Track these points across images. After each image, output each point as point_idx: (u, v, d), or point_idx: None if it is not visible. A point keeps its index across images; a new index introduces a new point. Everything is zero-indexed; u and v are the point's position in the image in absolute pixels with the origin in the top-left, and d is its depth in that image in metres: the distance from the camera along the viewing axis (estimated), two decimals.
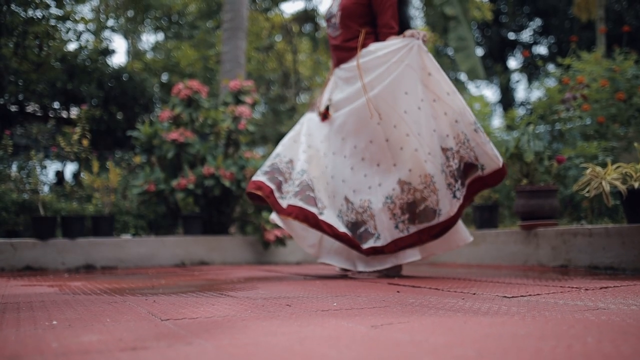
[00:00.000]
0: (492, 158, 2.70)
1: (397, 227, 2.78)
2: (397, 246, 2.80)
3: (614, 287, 2.09)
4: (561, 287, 2.14)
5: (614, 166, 2.81)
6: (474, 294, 2.00)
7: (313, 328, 1.30)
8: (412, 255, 2.83)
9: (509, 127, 5.66)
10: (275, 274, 3.46)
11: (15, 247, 4.08)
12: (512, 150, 3.47)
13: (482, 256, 3.76)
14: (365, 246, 2.82)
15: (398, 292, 2.13)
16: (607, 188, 2.72)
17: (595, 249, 2.98)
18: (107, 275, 3.53)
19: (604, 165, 3.44)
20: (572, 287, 2.09)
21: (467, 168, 2.75)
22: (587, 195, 2.82)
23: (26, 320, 1.49)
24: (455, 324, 1.31)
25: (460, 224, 2.89)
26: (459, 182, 2.72)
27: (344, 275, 3.09)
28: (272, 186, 2.98)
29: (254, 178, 3.07)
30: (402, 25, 3.02)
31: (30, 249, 4.14)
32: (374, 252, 2.83)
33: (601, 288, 2.05)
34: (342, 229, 2.85)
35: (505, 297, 1.88)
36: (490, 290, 2.09)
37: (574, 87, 4.07)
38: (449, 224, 2.74)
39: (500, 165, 2.71)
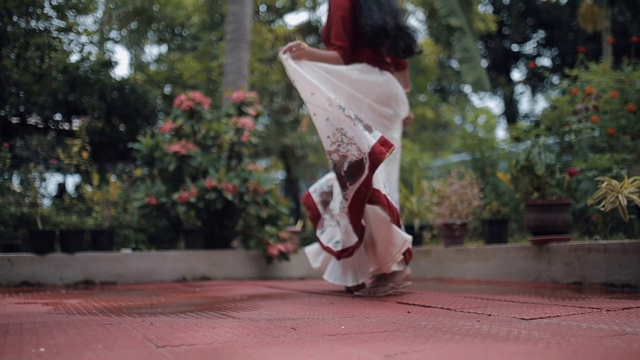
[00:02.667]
0: (367, 142, 2.43)
1: (355, 230, 2.65)
2: (351, 252, 2.70)
3: (636, 307, 1.98)
4: (580, 307, 2.03)
5: (631, 179, 2.71)
6: (489, 315, 1.90)
7: (321, 357, 1.20)
8: (370, 267, 2.77)
9: (516, 139, 5.57)
10: (278, 290, 3.35)
11: (12, 262, 3.99)
12: (523, 162, 3.37)
13: (492, 272, 3.65)
14: (336, 250, 2.78)
15: (408, 312, 2.03)
16: (624, 202, 2.61)
17: (611, 265, 2.87)
18: (105, 292, 3.43)
19: (616, 178, 3.34)
20: (592, 308, 1.98)
21: (355, 168, 2.48)
22: (602, 209, 2.71)
23: (12, 347, 1.39)
24: (476, 353, 1.21)
25: (388, 229, 2.60)
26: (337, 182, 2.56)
27: (349, 292, 2.98)
28: (321, 210, 3.01)
29: (312, 192, 3.09)
30: (379, 34, 2.88)
31: (27, 264, 4.04)
32: (340, 256, 2.76)
33: (623, 309, 1.94)
34: (325, 243, 2.87)
35: (523, 319, 1.77)
36: (506, 311, 1.98)
37: (585, 98, 3.98)
38: (352, 226, 2.59)
39: (372, 145, 2.41)
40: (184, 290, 3.44)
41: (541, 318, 1.78)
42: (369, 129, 2.48)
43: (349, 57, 2.87)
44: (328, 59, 2.79)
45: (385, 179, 2.81)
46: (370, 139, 2.43)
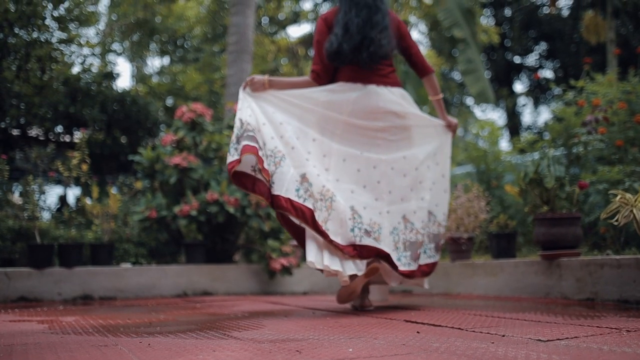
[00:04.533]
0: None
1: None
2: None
3: None
4: (598, 327, 1.94)
5: None
6: (503, 335, 1.81)
7: None
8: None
9: (521, 151, 5.49)
10: (281, 306, 3.26)
11: (9, 277, 3.90)
12: (532, 175, 3.28)
13: (501, 287, 3.56)
14: None
15: (418, 332, 1.94)
16: (639, 216, 2.53)
17: (625, 281, 2.78)
18: (104, 308, 3.35)
19: (627, 190, 3.25)
20: (611, 328, 1.89)
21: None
22: (616, 223, 2.62)
23: None
24: None
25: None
26: None
27: (354, 309, 2.89)
28: None
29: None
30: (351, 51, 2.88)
31: (25, 279, 3.95)
32: None
33: None
34: None
35: (539, 340, 1.68)
36: (520, 331, 1.90)
37: (594, 109, 3.91)
38: None
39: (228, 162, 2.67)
40: (184, 307, 3.36)
41: (559, 339, 1.69)
42: (238, 141, 2.67)
43: (326, 78, 2.97)
44: (298, 84, 2.97)
45: (315, 182, 2.71)
46: (229, 158, 2.67)
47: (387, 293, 3.29)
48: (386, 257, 2.74)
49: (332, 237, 2.63)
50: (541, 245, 3.24)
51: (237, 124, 2.75)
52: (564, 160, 4.23)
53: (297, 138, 2.79)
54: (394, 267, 2.77)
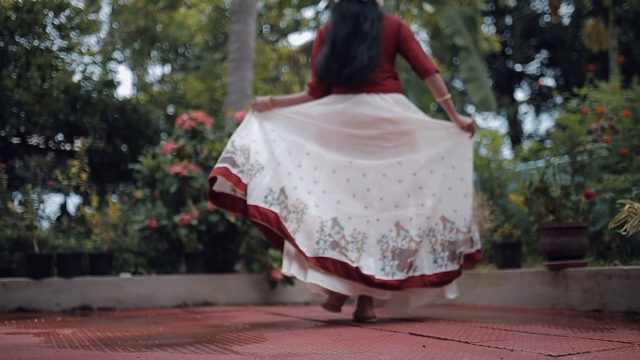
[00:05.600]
0: None
1: None
2: None
3: None
4: (609, 340, 1.88)
5: None
6: (512, 350, 1.75)
7: None
8: None
9: (524, 159, 5.45)
10: (283, 318, 3.21)
11: (7, 287, 3.85)
12: (537, 184, 3.24)
13: (506, 298, 3.50)
14: None
15: (424, 346, 1.89)
16: None
17: (634, 292, 2.72)
18: (102, 319, 3.30)
19: (635, 199, 3.20)
20: (622, 342, 1.84)
21: None
22: (624, 233, 2.58)
23: None
24: None
25: None
26: None
27: (357, 320, 2.84)
28: None
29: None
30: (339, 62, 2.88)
31: (23, 289, 3.90)
32: None
33: None
34: None
35: (550, 355, 1.63)
36: (529, 345, 1.84)
37: (599, 117, 3.87)
38: None
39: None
40: (184, 318, 3.31)
41: (570, 355, 1.63)
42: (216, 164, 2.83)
43: (321, 92, 3.01)
44: (297, 100, 3.04)
45: (282, 189, 2.77)
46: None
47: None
48: (355, 270, 2.64)
49: (300, 247, 2.66)
50: (547, 255, 3.19)
51: (227, 146, 2.86)
52: (569, 169, 4.19)
53: (289, 153, 2.86)
54: (367, 281, 2.65)
